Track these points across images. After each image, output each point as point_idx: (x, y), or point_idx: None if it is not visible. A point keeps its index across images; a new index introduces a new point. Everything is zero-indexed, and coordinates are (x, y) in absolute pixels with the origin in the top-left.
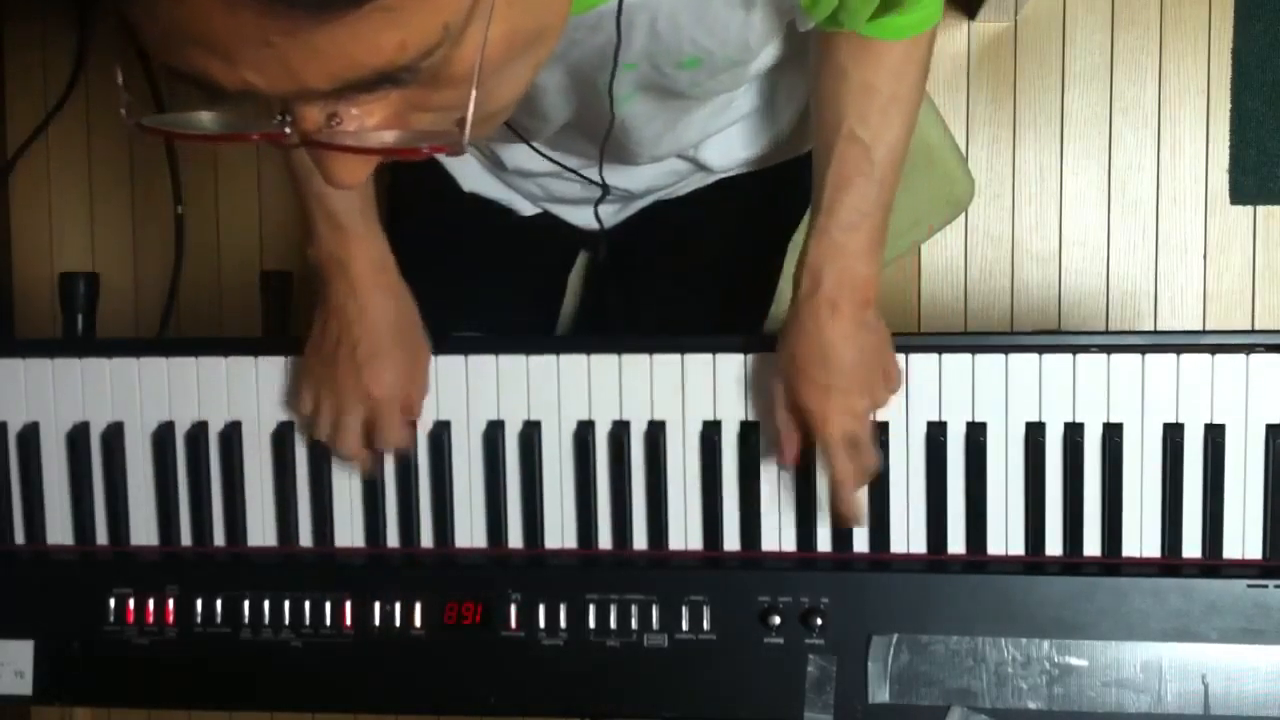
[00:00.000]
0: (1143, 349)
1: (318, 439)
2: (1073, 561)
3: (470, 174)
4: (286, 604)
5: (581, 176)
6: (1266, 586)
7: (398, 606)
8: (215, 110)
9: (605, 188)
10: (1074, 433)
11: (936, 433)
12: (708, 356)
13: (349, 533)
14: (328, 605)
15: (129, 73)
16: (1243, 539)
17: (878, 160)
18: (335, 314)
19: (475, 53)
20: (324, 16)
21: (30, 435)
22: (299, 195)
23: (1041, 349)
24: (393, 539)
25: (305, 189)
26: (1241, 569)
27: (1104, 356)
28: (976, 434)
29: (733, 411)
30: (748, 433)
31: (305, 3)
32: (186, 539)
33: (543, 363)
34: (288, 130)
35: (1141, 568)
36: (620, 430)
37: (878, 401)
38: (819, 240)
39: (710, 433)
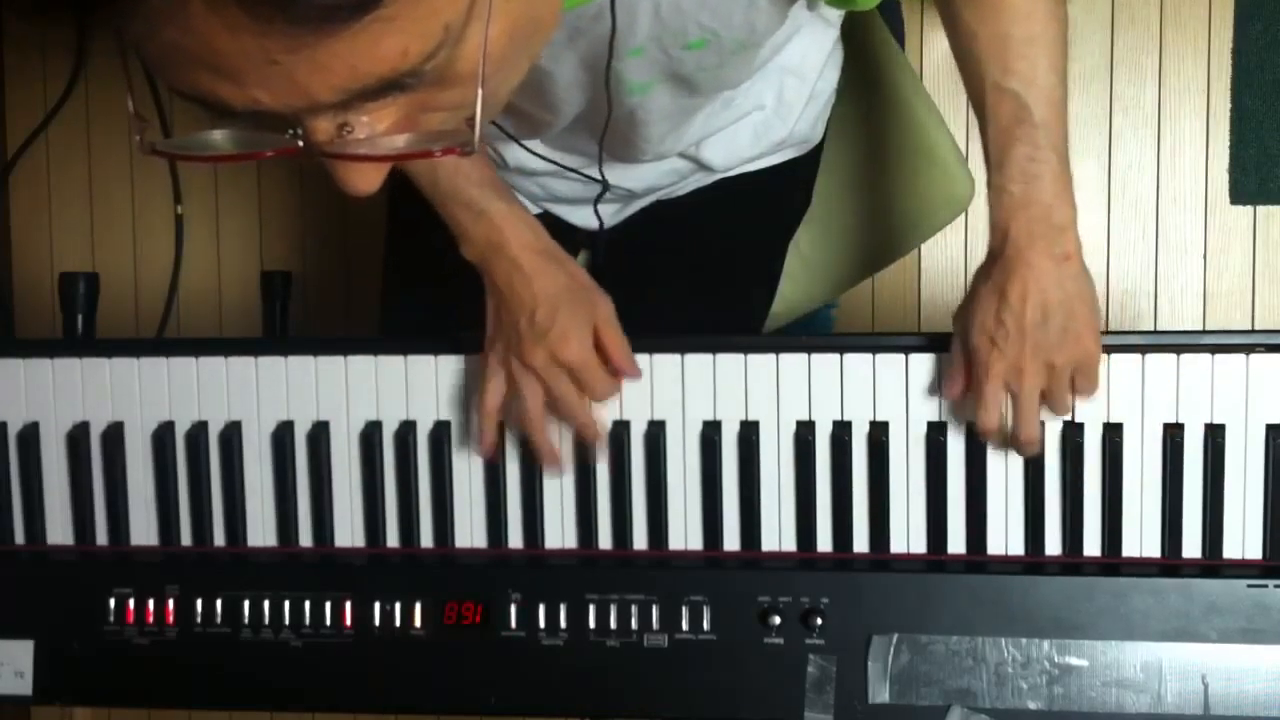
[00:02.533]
0: (1143, 349)
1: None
2: (1073, 561)
3: None
4: (286, 604)
5: (584, 175)
6: (1266, 586)
7: (398, 606)
8: (225, 128)
9: (605, 184)
10: (1074, 433)
11: (936, 433)
12: (708, 356)
13: (349, 533)
14: (328, 605)
15: (137, 95)
16: (1243, 539)
17: (1034, 103)
18: (505, 296)
19: (478, 51)
20: (326, 31)
21: (30, 435)
22: (432, 200)
23: None
24: (393, 539)
25: (436, 190)
26: (1241, 569)
27: (1104, 356)
28: (976, 434)
29: (733, 411)
30: (748, 433)
31: (306, 20)
32: (186, 539)
33: None
34: (300, 144)
35: (1141, 568)
36: (620, 430)
37: (1060, 362)
38: (999, 198)
39: (710, 433)
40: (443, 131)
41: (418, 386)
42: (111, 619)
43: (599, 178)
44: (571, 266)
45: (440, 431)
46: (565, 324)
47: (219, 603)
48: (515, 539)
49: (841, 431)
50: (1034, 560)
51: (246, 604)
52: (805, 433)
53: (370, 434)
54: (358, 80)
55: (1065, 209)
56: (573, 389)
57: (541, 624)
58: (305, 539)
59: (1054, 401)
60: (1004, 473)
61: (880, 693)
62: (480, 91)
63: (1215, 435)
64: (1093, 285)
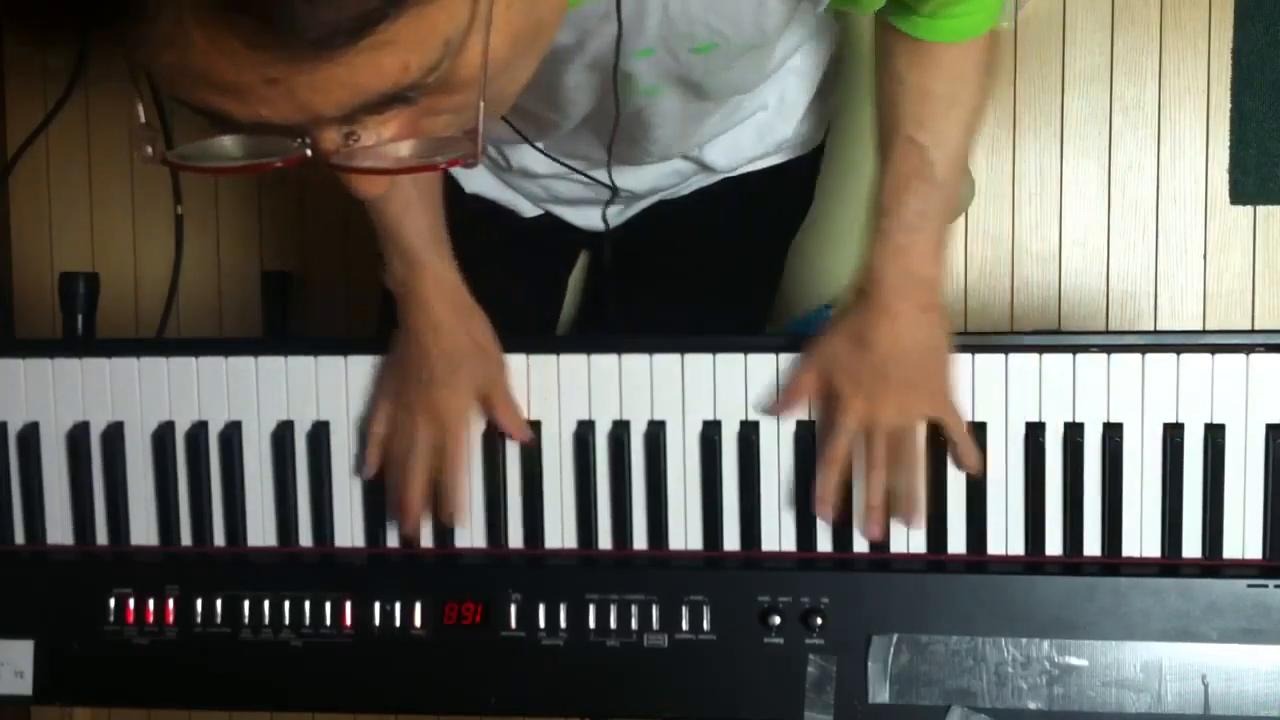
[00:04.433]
0: (1143, 349)
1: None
2: (1073, 561)
3: (473, 175)
4: (286, 604)
5: (588, 178)
6: (1266, 586)
7: (398, 606)
8: (234, 137)
9: (614, 189)
10: (1074, 433)
11: (936, 433)
12: (708, 356)
13: (349, 533)
14: (328, 605)
15: (133, 104)
16: (1243, 539)
17: (936, 162)
18: (413, 338)
19: (480, 58)
20: (324, 56)
21: (30, 435)
22: (374, 225)
23: (1041, 349)
24: (393, 539)
25: (380, 221)
26: (1241, 569)
27: (1104, 356)
28: (976, 434)
29: (733, 411)
30: (748, 433)
31: (300, 45)
32: (186, 539)
33: (543, 362)
34: (309, 153)
35: (1141, 568)
36: (620, 430)
37: (913, 411)
38: (880, 242)
39: (710, 433)
40: (447, 139)
41: None
42: (111, 619)
43: (608, 182)
44: (478, 329)
45: None
46: (452, 384)
47: (219, 603)
48: (515, 539)
49: None
50: (1034, 560)
51: (246, 604)
52: (805, 432)
53: None
54: (359, 96)
55: (936, 264)
56: (429, 447)
57: (541, 624)
58: (305, 539)
59: (902, 444)
60: (1004, 473)
61: (880, 693)
62: (482, 103)
63: (1215, 435)
64: (949, 337)
